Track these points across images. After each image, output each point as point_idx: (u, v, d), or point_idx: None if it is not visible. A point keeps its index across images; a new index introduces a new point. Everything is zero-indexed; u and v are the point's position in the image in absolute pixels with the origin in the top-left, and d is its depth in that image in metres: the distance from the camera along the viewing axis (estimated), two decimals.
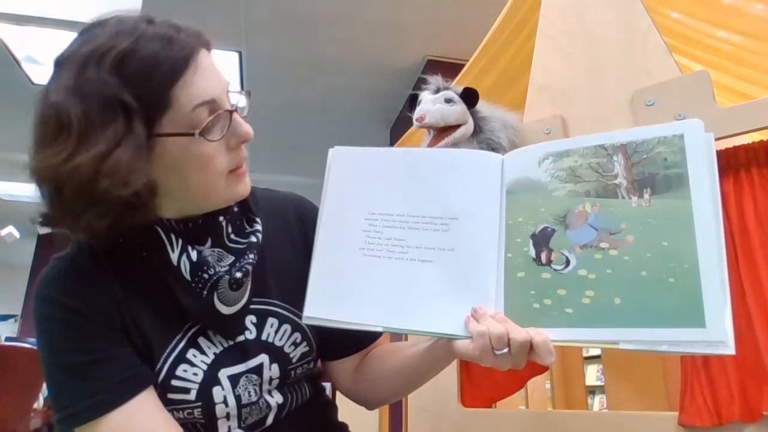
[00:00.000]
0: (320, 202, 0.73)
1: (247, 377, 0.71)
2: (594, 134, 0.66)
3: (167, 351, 0.68)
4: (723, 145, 0.94)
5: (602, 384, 2.90)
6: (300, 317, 0.68)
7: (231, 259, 0.70)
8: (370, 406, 0.87)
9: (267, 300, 0.75)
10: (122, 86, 0.59)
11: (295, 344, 0.75)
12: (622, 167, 0.63)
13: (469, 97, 0.91)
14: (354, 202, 0.71)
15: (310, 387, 0.81)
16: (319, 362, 0.84)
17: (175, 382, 0.67)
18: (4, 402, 2.69)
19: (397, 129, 4.28)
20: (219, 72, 0.66)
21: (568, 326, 0.59)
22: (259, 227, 0.75)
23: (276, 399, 0.74)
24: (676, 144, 0.61)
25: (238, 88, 0.76)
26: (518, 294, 0.62)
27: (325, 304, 0.67)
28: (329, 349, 0.83)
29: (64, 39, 0.63)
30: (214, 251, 0.70)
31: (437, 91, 0.92)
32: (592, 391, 4.13)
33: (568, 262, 0.61)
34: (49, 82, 0.62)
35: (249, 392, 0.71)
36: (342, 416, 0.86)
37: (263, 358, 0.72)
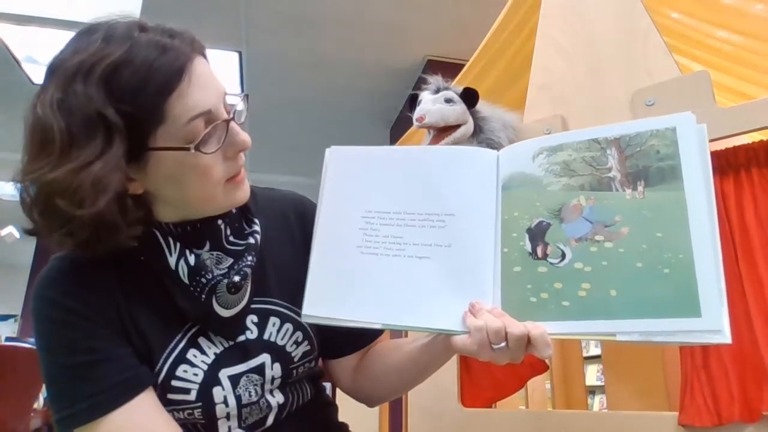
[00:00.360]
0: (317, 202, 0.73)
1: (247, 377, 0.71)
2: (587, 128, 0.67)
3: (167, 351, 0.68)
4: (723, 145, 0.94)
5: (602, 384, 2.90)
6: (301, 316, 0.68)
7: (230, 261, 0.70)
8: (371, 404, 0.87)
9: (268, 299, 0.75)
10: (109, 101, 0.58)
11: (297, 343, 0.75)
12: (616, 160, 0.63)
13: (469, 97, 0.91)
14: (351, 200, 0.71)
15: (311, 387, 0.81)
16: (319, 361, 0.84)
17: (175, 383, 0.67)
18: (4, 402, 2.69)
19: (397, 129, 4.28)
20: (215, 78, 0.65)
21: (565, 319, 0.59)
22: (257, 228, 0.74)
23: (277, 399, 0.74)
24: (669, 137, 0.61)
25: (237, 90, 0.76)
26: (515, 288, 0.63)
27: (324, 302, 0.67)
28: (331, 347, 0.83)
29: (64, 39, 0.63)
30: (212, 254, 0.70)
31: (437, 91, 0.92)
32: (592, 391, 4.13)
33: (563, 256, 0.62)
34: (39, 91, 0.61)
35: (249, 392, 0.71)
36: (342, 416, 0.86)
37: (265, 357, 0.72)
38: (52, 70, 0.61)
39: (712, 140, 0.93)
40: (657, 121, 0.63)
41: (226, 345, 0.71)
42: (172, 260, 0.66)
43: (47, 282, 0.66)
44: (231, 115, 0.65)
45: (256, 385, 0.71)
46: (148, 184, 0.64)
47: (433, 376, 0.80)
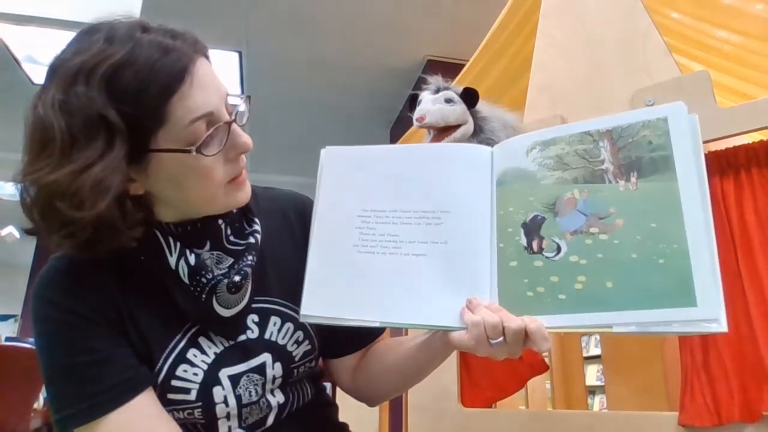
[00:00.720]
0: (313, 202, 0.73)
1: (248, 377, 0.71)
2: (579, 121, 0.67)
3: (167, 351, 0.67)
4: (723, 145, 0.94)
5: (602, 384, 2.90)
6: (299, 316, 0.68)
7: (230, 261, 0.70)
8: (371, 403, 0.87)
9: (269, 299, 0.75)
10: (110, 103, 0.58)
11: (298, 342, 0.75)
12: (609, 152, 0.63)
13: (469, 97, 0.91)
14: (346, 200, 0.71)
15: (312, 387, 0.81)
16: (320, 361, 0.84)
17: (175, 383, 0.67)
18: (4, 402, 2.69)
19: (397, 129, 4.28)
20: (217, 80, 0.65)
21: (562, 312, 0.59)
22: (257, 227, 0.75)
23: (277, 399, 0.74)
24: (661, 127, 0.61)
25: (237, 91, 0.76)
26: (512, 283, 0.63)
27: (322, 302, 0.67)
28: (331, 347, 0.83)
29: (64, 39, 0.63)
30: (212, 254, 0.70)
31: (437, 91, 0.92)
32: (592, 391, 4.13)
33: (559, 249, 0.62)
34: (39, 91, 0.61)
35: (250, 392, 0.71)
36: (342, 416, 0.86)
37: (266, 357, 0.72)
38: (54, 70, 0.61)
39: (712, 140, 0.93)
40: (648, 111, 0.63)
41: (227, 344, 0.71)
42: (172, 260, 0.66)
43: (46, 282, 0.66)
44: (233, 117, 0.65)
45: (256, 384, 0.71)
46: (148, 185, 0.64)
47: (433, 376, 0.80)
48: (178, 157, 0.62)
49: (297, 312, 0.74)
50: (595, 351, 4.01)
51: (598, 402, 4.11)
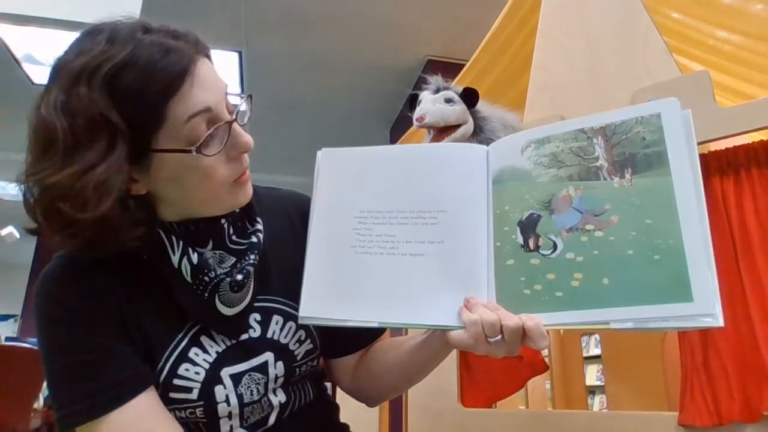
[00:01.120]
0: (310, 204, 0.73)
1: (250, 376, 0.71)
2: (573, 119, 0.67)
3: (169, 350, 0.68)
4: (723, 145, 0.94)
5: (602, 384, 2.90)
6: (298, 318, 0.68)
7: (232, 260, 0.70)
8: (371, 404, 0.87)
9: (271, 297, 0.75)
10: (112, 104, 0.58)
11: (300, 341, 0.75)
12: (603, 149, 0.63)
13: (470, 97, 0.91)
14: (343, 201, 0.71)
15: (314, 387, 0.81)
16: (321, 360, 0.84)
17: (176, 381, 0.67)
18: (4, 402, 2.69)
19: (397, 129, 4.28)
20: (218, 79, 0.65)
21: (559, 310, 0.59)
22: (260, 227, 0.75)
23: (279, 398, 0.74)
24: (654, 123, 0.62)
25: (236, 91, 0.76)
26: (509, 281, 0.63)
27: (321, 303, 0.67)
28: (332, 347, 0.83)
29: (64, 39, 0.63)
30: (215, 253, 0.70)
31: (437, 91, 0.92)
32: (592, 391, 4.13)
33: (555, 247, 0.62)
34: (43, 92, 0.61)
35: (251, 391, 0.71)
36: (341, 415, 0.86)
37: (268, 356, 0.72)
38: (57, 70, 0.61)
39: (712, 140, 0.93)
40: (642, 108, 0.63)
41: (229, 343, 0.71)
42: (175, 259, 0.66)
43: (50, 280, 0.66)
44: (234, 117, 0.65)
45: (258, 384, 0.71)
46: (151, 185, 0.65)
47: (433, 376, 0.80)
48: (179, 157, 0.62)
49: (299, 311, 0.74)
50: (595, 351, 4.01)
51: (598, 402, 4.11)
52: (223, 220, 0.71)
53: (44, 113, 0.58)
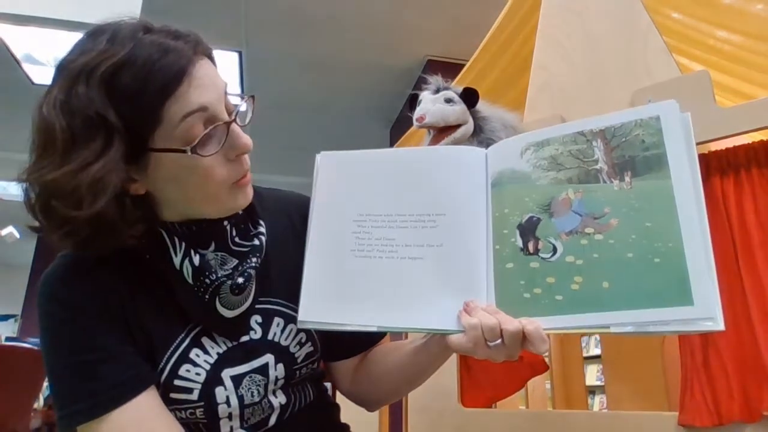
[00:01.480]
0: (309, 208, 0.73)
1: (250, 377, 0.71)
2: (572, 122, 0.67)
3: (170, 350, 0.68)
4: (723, 145, 0.94)
5: (602, 384, 2.90)
6: (297, 323, 0.68)
7: (234, 262, 0.70)
8: (370, 407, 0.87)
9: (273, 300, 0.75)
10: (109, 103, 0.58)
11: (300, 344, 0.75)
12: (602, 152, 0.63)
13: (470, 97, 0.91)
14: (342, 205, 0.71)
15: (314, 388, 0.81)
16: (321, 362, 0.84)
17: (177, 382, 0.67)
18: (4, 402, 2.69)
19: (397, 129, 4.28)
20: (218, 80, 0.65)
21: (559, 313, 0.59)
22: (263, 229, 0.75)
23: (279, 399, 0.74)
24: (653, 126, 0.61)
25: (236, 91, 0.75)
26: (508, 285, 0.63)
27: (320, 307, 0.67)
28: (332, 350, 0.83)
29: (64, 39, 0.63)
30: (217, 255, 0.70)
31: (437, 91, 0.92)
32: (592, 391, 4.13)
33: (555, 250, 0.62)
34: (46, 91, 0.62)
35: (252, 392, 0.71)
36: (342, 416, 0.86)
37: (268, 357, 0.72)
38: (59, 70, 0.61)
39: (712, 140, 0.94)
40: (641, 110, 0.63)
41: (230, 345, 0.71)
42: (176, 260, 0.66)
43: (52, 280, 0.66)
44: (232, 117, 0.65)
45: (258, 385, 0.71)
46: (150, 185, 0.65)
47: (433, 376, 0.80)
48: (177, 157, 0.62)
49: None
50: (595, 351, 4.01)
51: (598, 402, 4.11)
52: (225, 222, 0.71)
53: (45, 112, 0.59)
